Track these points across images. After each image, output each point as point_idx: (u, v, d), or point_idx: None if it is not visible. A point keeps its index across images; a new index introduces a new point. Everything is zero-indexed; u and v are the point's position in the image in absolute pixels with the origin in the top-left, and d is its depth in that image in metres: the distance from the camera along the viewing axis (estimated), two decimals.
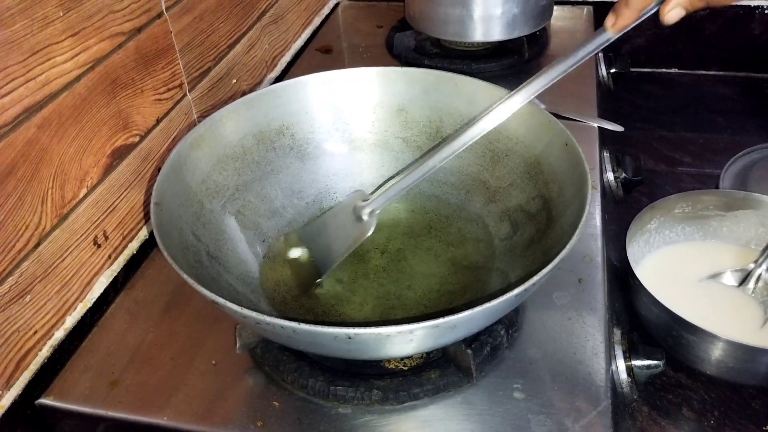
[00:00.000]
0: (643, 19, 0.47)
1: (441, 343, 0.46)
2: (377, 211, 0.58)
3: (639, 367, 0.53)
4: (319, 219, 0.63)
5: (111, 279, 0.60)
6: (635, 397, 0.53)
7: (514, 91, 0.53)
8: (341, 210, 0.61)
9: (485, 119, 0.53)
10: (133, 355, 0.54)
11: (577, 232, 0.45)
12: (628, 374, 0.53)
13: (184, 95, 0.69)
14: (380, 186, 0.66)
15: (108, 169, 0.58)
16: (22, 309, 0.50)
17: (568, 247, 0.44)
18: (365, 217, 0.58)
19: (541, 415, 0.47)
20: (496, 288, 0.55)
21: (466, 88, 0.63)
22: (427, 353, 0.52)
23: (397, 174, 0.66)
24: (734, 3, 0.43)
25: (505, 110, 0.53)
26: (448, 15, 0.88)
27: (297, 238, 0.62)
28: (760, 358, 0.57)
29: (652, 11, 0.46)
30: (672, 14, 0.45)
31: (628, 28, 0.48)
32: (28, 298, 0.51)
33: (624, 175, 0.75)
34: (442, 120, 0.65)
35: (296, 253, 0.60)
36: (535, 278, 0.41)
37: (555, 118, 0.57)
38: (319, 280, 0.58)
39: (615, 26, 0.48)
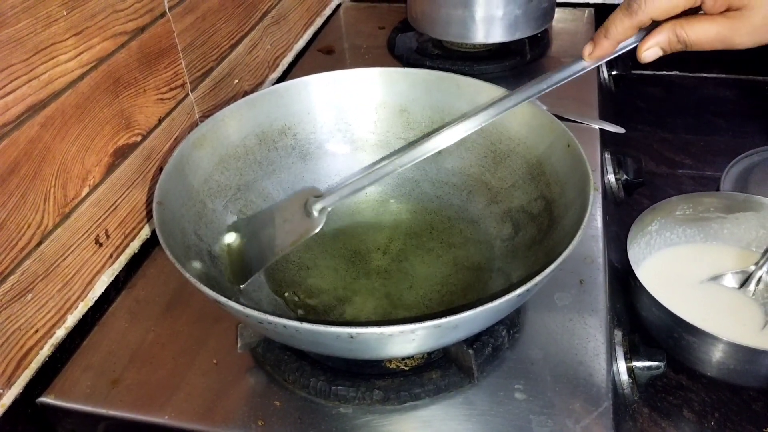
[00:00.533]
0: (620, 53, 0.47)
1: (443, 343, 0.46)
2: (328, 209, 0.56)
3: (640, 369, 0.53)
4: (266, 210, 0.61)
5: (112, 278, 0.60)
6: (636, 398, 0.53)
7: (476, 109, 0.53)
8: (291, 203, 0.59)
9: (443, 135, 0.53)
10: (134, 354, 0.54)
11: (579, 232, 0.45)
12: (629, 375, 0.53)
13: (187, 95, 0.69)
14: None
15: (110, 168, 0.58)
16: (23, 307, 0.50)
17: (570, 247, 0.44)
18: (315, 213, 0.56)
19: (543, 416, 0.47)
20: (498, 289, 0.55)
21: (468, 89, 0.63)
22: (429, 353, 0.52)
23: (356, 174, 0.64)
24: (712, 49, 0.43)
25: (467, 127, 0.52)
26: (450, 16, 0.88)
27: (241, 226, 0.60)
28: (761, 360, 0.57)
29: (631, 47, 0.47)
30: (649, 53, 0.45)
31: (605, 60, 0.48)
32: (29, 296, 0.51)
33: (625, 176, 0.75)
34: (444, 121, 0.65)
35: (231, 238, 0.58)
36: (538, 278, 0.42)
37: (557, 120, 0.57)
38: (256, 273, 0.56)
39: (592, 56, 0.48)
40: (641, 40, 0.45)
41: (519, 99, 0.51)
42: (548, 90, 0.50)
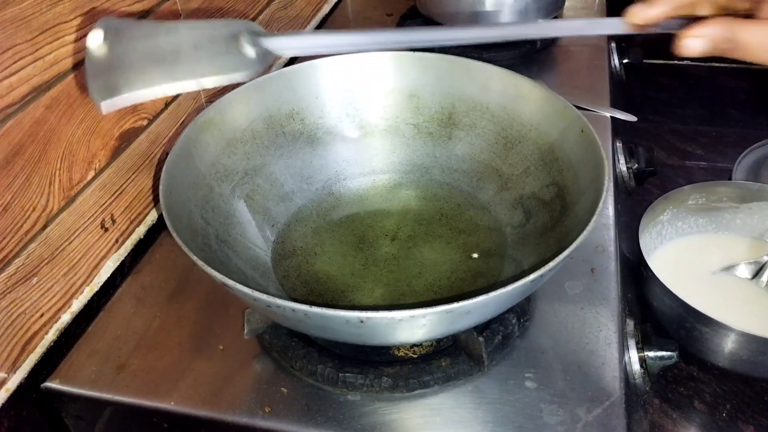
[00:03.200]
0: (659, 30, 0.42)
1: (453, 329, 0.45)
2: (276, 54, 0.43)
3: (652, 359, 0.52)
4: (166, 23, 0.45)
5: (118, 263, 0.59)
6: (648, 388, 0.52)
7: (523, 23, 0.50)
8: (211, 28, 0.45)
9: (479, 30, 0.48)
10: (140, 340, 0.53)
11: (594, 218, 0.45)
12: (641, 365, 0.52)
13: None
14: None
15: (116, 152, 0.58)
16: (28, 291, 0.50)
17: (584, 233, 0.43)
18: (252, 54, 0.42)
19: (554, 405, 0.47)
20: (509, 276, 0.55)
21: (479, 75, 0.62)
22: (438, 341, 0.51)
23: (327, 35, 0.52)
24: (759, 61, 0.40)
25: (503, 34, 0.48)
26: (460, 3, 0.87)
27: (112, 27, 0.43)
28: None
29: (672, 30, 0.41)
30: (694, 42, 0.39)
31: (647, 29, 0.42)
32: (34, 280, 0.50)
33: (637, 165, 0.74)
34: (454, 106, 0.64)
35: (97, 40, 0.42)
36: (552, 264, 0.41)
37: (570, 104, 0.56)
38: (131, 91, 0.40)
39: (639, 16, 0.42)
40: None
41: (543, 32, 0.48)
42: (587, 35, 0.46)
